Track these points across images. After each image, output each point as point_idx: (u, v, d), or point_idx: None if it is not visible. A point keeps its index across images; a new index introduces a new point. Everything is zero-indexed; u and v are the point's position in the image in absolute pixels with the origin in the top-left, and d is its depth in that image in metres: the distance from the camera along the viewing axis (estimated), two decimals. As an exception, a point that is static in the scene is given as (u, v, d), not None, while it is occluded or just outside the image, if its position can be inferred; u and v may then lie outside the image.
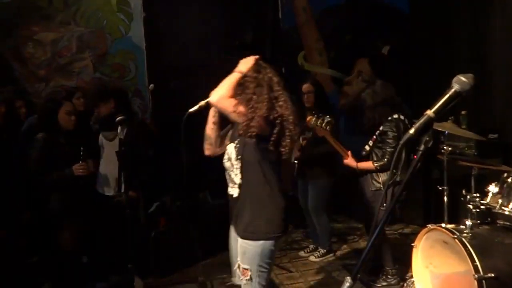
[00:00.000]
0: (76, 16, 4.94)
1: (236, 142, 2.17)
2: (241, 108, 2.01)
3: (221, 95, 2.03)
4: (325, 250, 3.93)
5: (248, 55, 2.19)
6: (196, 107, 2.14)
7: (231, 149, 2.20)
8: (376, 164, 3.06)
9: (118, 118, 2.67)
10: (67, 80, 4.91)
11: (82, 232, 3.13)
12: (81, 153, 2.93)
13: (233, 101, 2.02)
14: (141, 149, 3.30)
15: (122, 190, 2.76)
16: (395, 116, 3.11)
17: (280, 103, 2.05)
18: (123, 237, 2.85)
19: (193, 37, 4.87)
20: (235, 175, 2.16)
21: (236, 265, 2.16)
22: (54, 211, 3.02)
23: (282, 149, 2.05)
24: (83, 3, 4.93)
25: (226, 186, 2.28)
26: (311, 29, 5.39)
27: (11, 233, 3.05)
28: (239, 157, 2.14)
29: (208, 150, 2.32)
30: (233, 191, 2.19)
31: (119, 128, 2.67)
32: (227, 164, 2.22)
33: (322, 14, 5.44)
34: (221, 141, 2.30)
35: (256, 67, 2.11)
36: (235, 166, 2.16)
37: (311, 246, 4.05)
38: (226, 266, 3.83)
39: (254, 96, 2.03)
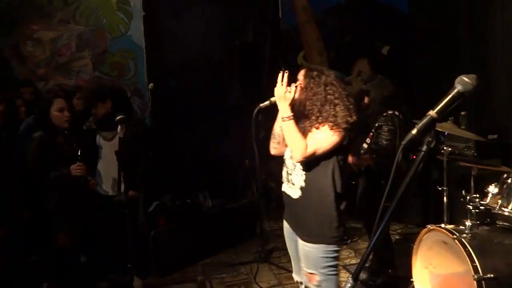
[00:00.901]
0: (76, 15, 4.93)
1: None
2: (321, 126, 1.98)
3: (300, 150, 1.95)
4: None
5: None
6: (267, 102, 2.10)
7: None
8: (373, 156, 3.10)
9: (118, 117, 2.66)
10: (67, 79, 4.91)
11: (81, 231, 3.13)
12: (79, 153, 2.91)
13: (314, 140, 1.97)
14: (140, 148, 3.29)
15: (122, 190, 2.75)
16: (390, 112, 3.15)
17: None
18: (122, 236, 2.84)
19: (193, 36, 4.87)
20: (296, 176, 2.09)
21: (294, 269, 2.20)
22: (52, 210, 3.01)
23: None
24: (83, 2, 4.92)
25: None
26: (311, 29, 5.39)
27: (11, 232, 3.04)
28: None
29: (275, 149, 2.24)
30: (292, 192, 2.12)
31: (119, 127, 2.65)
32: (288, 161, 2.15)
33: (322, 13, 5.44)
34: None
35: (306, 80, 2.06)
36: (298, 167, 2.08)
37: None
38: (225, 265, 3.89)
39: (322, 104, 2.01)
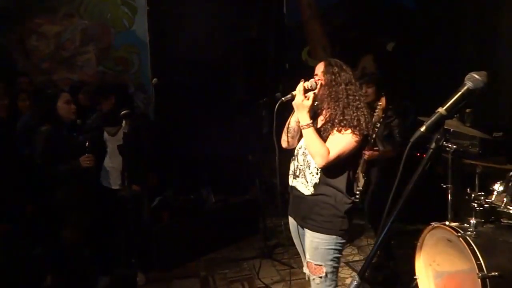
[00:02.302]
0: (80, 9, 4.93)
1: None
2: (344, 130, 1.98)
3: (322, 156, 1.95)
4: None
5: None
6: (289, 96, 2.09)
7: None
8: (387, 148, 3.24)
9: (122, 112, 2.67)
10: (71, 73, 4.92)
11: (86, 225, 3.14)
12: (87, 145, 2.92)
13: (336, 144, 1.96)
14: (144, 143, 3.30)
15: (126, 184, 2.75)
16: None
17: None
18: (126, 231, 2.85)
19: (197, 32, 4.85)
20: (310, 173, 2.08)
21: (305, 264, 2.17)
22: (59, 204, 3.02)
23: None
24: (87, -4, 4.92)
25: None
26: (315, 25, 5.37)
27: (15, 226, 3.05)
28: None
29: (287, 142, 2.23)
30: (303, 188, 2.11)
31: (124, 122, 2.66)
32: (300, 157, 2.14)
33: (327, 10, 5.41)
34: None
35: (327, 77, 2.06)
36: (312, 165, 2.07)
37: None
38: (228, 261, 3.89)
39: (340, 100, 2.02)
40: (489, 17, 4.23)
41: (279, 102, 2.09)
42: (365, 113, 2.04)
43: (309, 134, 2.01)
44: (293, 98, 2.08)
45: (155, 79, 4.41)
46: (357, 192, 3.39)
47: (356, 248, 4.09)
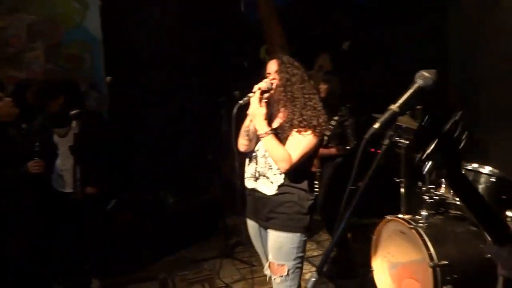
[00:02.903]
0: (26, 3, 4.66)
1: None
2: (304, 131, 1.97)
3: (285, 161, 1.94)
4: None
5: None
6: (246, 99, 2.04)
7: None
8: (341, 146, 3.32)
9: (72, 112, 2.55)
10: (17, 71, 4.63)
11: (35, 232, 2.98)
12: (36, 149, 2.77)
13: (297, 146, 1.95)
14: (96, 143, 3.17)
15: (78, 187, 2.64)
16: (348, 105, 3.41)
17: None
18: (79, 236, 2.74)
19: (153, 28, 4.74)
20: (274, 175, 2.05)
21: (267, 265, 2.14)
22: (5, 210, 2.85)
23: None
24: (33, -11, 4.66)
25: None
26: (273, 23, 5.40)
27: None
28: None
29: (245, 146, 2.18)
30: (266, 189, 2.07)
31: (74, 122, 2.54)
32: (261, 160, 2.10)
33: (285, 8, 5.45)
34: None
35: (281, 76, 2.04)
36: (275, 166, 2.03)
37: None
38: (188, 262, 3.84)
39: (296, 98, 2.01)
40: (439, 15, 4.43)
41: (237, 106, 2.04)
42: (323, 112, 2.04)
43: (269, 142, 1.98)
44: (249, 101, 2.04)
45: (109, 77, 4.27)
46: (316, 188, 3.47)
47: (315, 243, 4.17)
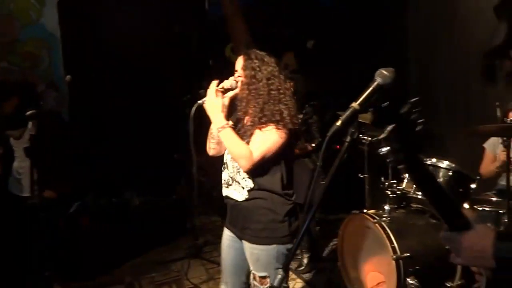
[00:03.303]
0: (-23, -2, 4.42)
1: (246, 141, 1.88)
2: (265, 127, 1.82)
3: (245, 158, 1.79)
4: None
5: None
6: (205, 99, 1.90)
7: None
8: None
9: (28, 113, 2.44)
10: (-32, 70, 4.39)
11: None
12: None
13: (259, 144, 1.81)
14: (55, 144, 3.05)
15: (36, 190, 2.52)
16: (312, 103, 3.44)
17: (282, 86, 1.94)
18: (38, 241, 2.62)
19: (114, 26, 4.60)
20: (242, 179, 1.91)
21: (252, 276, 1.95)
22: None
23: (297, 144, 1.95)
24: (-15, -16, 4.43)
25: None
26: (238, 21, 5.37)
27: None
28: None
29: (213, 150, 2.05)
30: (237, 195, 1.94)
31: (30, 123, 2.43)
32: (230, 163, 1.96)
33: (250, 6, 5.45)
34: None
35: (247, 72, 1.91)
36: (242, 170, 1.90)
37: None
38: (155, 264, 3.77)
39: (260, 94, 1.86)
40: (399, 14, 4.56)
41: (196, 106, 1.91)
42: (290, 105, 1.89)
43: (227, 136, 1.85)
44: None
45: (68, 76, 4.09)
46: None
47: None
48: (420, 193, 2.69)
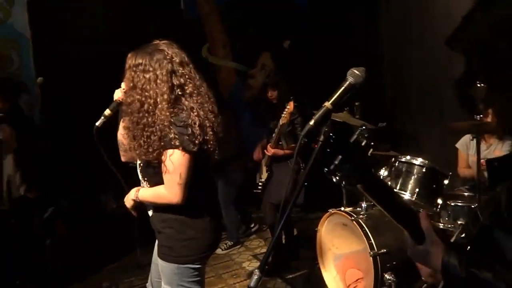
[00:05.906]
0: None
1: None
2: (170, 156, 1.60)
3: (171, 200, 1.64)
4: (232, 242, 4.00)
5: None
6: (102, 119, 1.83)
7: None
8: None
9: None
10: None
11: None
12: None
13: (172, 176, 1.60)
14: (27, 148, 2.96)
15: (6, 196, 2.44)
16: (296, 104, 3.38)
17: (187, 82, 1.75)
18: (10, 248, 2.54)
19: (88, 25, 4.50)
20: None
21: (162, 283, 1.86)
22: None
23: (206, 148, 1.66)
24: (-51, -18, 4.25)
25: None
26: (214, 21, 5.35)
27: None
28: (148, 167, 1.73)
29: (124, 157, 1.95)
30: (148, 207, 1.85)
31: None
32: (139, 174, 1.87)
33: (226, 6, 5.43)
34: None
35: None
36: (143, 182, 1.82)
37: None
38: (133, 268, 3.71)
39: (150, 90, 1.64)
40: (372, 16, 4.64)
41: (95, 129, 1.83)
42: (181, 123, 1.60)
43: (144, 197, 1.77)
44: (107, 119, 1.82)
45: (40, 78, 4.00)
46: (260, 184, 3.48)
47: (263, 240, 4.21)
48: (395, 190, 2.74)
